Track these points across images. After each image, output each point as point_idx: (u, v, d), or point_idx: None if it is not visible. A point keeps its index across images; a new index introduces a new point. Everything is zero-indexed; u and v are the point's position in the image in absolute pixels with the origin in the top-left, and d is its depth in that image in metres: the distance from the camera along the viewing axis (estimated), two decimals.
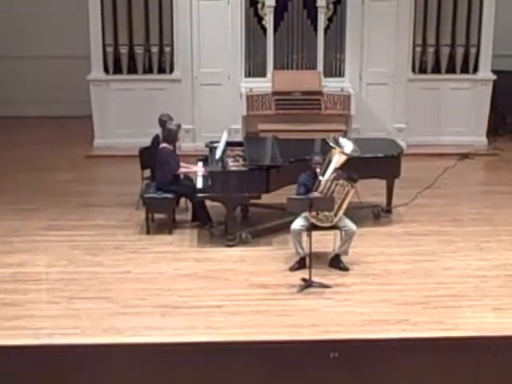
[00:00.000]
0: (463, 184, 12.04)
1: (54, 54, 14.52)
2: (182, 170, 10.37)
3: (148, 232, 10.21)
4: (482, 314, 8.29)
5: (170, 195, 10.19)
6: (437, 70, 13.58)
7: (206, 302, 8.50)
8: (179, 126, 10.56)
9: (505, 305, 8.48)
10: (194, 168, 10.49)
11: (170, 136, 10.34)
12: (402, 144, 12.11)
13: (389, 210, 10.81)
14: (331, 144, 9.28)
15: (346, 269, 9.26)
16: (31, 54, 14.61)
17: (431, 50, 13.46)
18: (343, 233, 9.25)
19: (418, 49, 13.42)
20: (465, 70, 13.55)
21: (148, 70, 13.43)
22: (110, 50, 13.21)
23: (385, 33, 13.14)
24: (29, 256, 9.53)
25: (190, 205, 10.62)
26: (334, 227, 9.24)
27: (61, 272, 9.16)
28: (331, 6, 13.08)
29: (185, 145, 12.93)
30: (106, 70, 13.34)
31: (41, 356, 7.66)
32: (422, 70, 13.57)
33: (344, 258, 9.30)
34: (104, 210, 10.88)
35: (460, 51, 13.45)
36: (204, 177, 10.11)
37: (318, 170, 9.23)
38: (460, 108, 13.52)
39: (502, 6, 13.42)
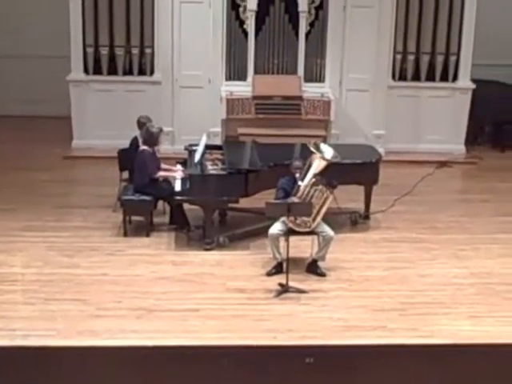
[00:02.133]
0: (441, 192, 12.10)
1: (34, 53, 14.45)
2: (160, 173, 10.31)
3: (125, 234, 10.16)
4: (457, 322, 8.33)
5: (147, 198, 10.15)
6: (417, 77, 13.64)
7: (182, 306, 8.48)
8: (161, 130, 10.48)
9: (480, 313, 8.52)
10: (172, 172, 10.43)
11: (152, 139, 10.27)
12: (381, 150, 12.14)
13: (366, 216, 10.83)
14: (312, 149, 9.29)
15: (323, 274, 9.26)
16: (11, 53, 14.53)
17: (411, 57, 13.52)
18: (321, 238, 9.25)
19: (399, 56, 13.48)
20: (444, 78, 13.63)
21: (128, 71, 13.39)
22: (90, 50, 13.16)
23: (366, 39, 13.16)
24: (4, 257, 9.46)
25: (167, 207, 10.59)
26: (311, 232, 9.24)
27: (36, 273, 9.09)
28: (313, 11, 13.10)
29: (164, 147, 12.79)
30: (86, 71, 13.29)
31: (15, 357, 7.60)
32: (402, 78, 13.63)
33: (321, 264, 9.31)
34: (81, 212, 10.83)
35: (440, 59, 13.52)
36: (183, 180, 10.09)
37: (297, 175, 9.24)
38: (439, 116, 13.58)
39: (482, 15, 13.47)
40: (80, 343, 7.73)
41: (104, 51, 13.17)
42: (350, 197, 10.84)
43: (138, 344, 7.76)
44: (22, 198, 11.19)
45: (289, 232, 9.02)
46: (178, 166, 10.63)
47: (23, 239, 9.91)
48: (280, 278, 8.99)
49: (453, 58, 13.50)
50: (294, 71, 13.19)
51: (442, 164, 13.18)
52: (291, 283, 8.83)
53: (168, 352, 7.72)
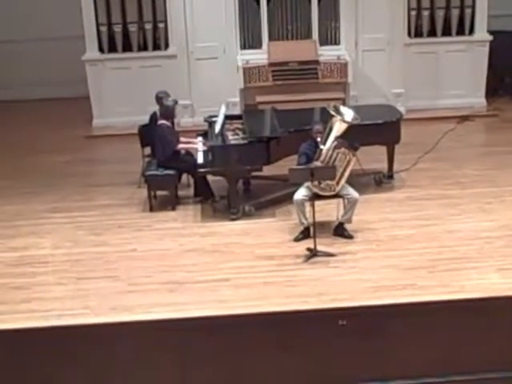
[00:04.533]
0: (464, 146, 12.03)
1: (48, 35, 14.41)
2: (181, 145, 10.36)
3: (151, 209, 10.22)
4: (487, 275, 8.32)
5: (171, 172, 10.19)
6: (433, 33, 13.50)
7: (212, 277, 8.54)
8: (176, 102, 10.55)
9: (510, 265, 8.50)
10: (193, 144, 10.48)
11: (168, 112, 10.33)
12: (401, 109, 12.07)
13: (390, 176, 10.81)
14: (332, 112, 9.26)
15: (350, 237, 9.28)
16: (26, 37, 14.51)
17: (426, 13, 13.37)
18: (346, 201, 9.26)
19: (413, 12, 13.34)
20: (461, 32, 13.48)
21: (143, 47, 13.38)
22: (103, 29, 13.15)
23: None
24: (34, 239, 9.55)
25: (191, 180, 10.63)
26: (336, 196, 9.25)
27: (66, 253, 9.19)
28: None
29: (184, 120, 12.92)
30: (101, 50, 13.29)
31: (51, 338, 7.70)
32: (418, 34, 13.50)
33: (348, 226, 9.32)
34: (106, 190, 10.89)
35: (455, 13, 13.37)
36: (204, 151, 10.11)
37: (318, 139, 9.22)
38: (458, 70, 13.45)
39: None
40: (114, 319, 7.81)
41: (117, 29, 13.15)
42: (372, 157, 10.83)
43: (171, 317, 7.82)
44: (47, 181, 11.27)
45: (314, 197, 9.05)
46: (199, 139, 10.65)
47: (51, 221, 10.00)
48: (308, 243, 9.02)
49: (468, 11, 13.34)
50: (309, 35, 13.12)
51: (464, 118, 13.09)
52: (319, 247, 8.86)
53: (202, 323, 7.78)
